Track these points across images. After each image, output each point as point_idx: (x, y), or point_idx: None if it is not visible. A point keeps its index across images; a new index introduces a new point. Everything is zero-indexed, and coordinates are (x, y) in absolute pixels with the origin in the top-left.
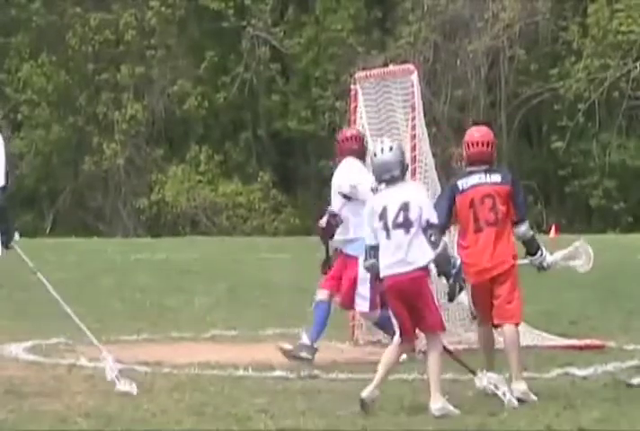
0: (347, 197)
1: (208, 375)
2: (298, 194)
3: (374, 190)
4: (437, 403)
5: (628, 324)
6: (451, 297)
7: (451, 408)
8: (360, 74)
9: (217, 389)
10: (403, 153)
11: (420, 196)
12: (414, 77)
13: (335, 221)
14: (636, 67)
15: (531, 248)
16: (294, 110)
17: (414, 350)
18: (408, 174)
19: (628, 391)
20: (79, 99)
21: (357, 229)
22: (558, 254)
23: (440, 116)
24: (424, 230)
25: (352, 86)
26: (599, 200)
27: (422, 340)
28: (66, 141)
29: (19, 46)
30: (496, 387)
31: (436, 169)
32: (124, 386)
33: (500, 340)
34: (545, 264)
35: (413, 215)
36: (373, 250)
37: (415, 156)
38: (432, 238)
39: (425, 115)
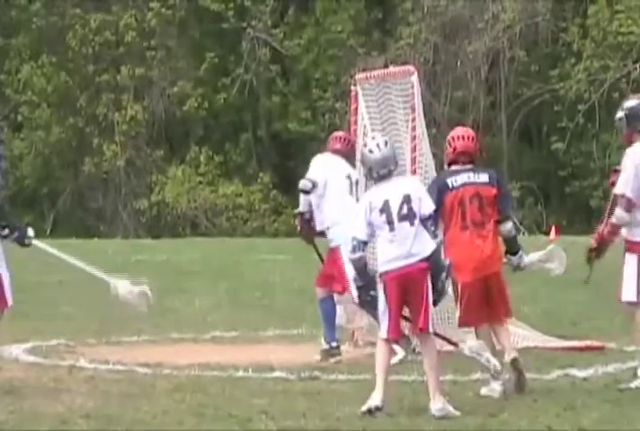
0: (304, 192)
1: (209, 376)
2: (299, 195)
3: (314, 185)
4: (437, 404)
5: (629, 325)
6: (441, 294)
7: (451, 408)
8: (360, 76)
9: (217, 390)
10: (394, 148)
11: (418, 188)
12: (414, 78)
13: (303, 220)
14: (636, 69)
15: (513, 247)
16: (294, 112)
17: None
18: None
19: (629, 392)
20: (79, 100)
21: (322, 222)
22: (534, 255)
23: (441, 117)
24: (423, 221)
25: (353, 87)
26: (599, 201)
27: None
28: (67, 142)
29: (19, 47)
30: (479, 354)
31: (436, 169)
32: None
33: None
34: (522, 264)
35: (415, 207)
36: (363, 245)
37: (415, 157)
38: (432, 229)
39: (425, 116)
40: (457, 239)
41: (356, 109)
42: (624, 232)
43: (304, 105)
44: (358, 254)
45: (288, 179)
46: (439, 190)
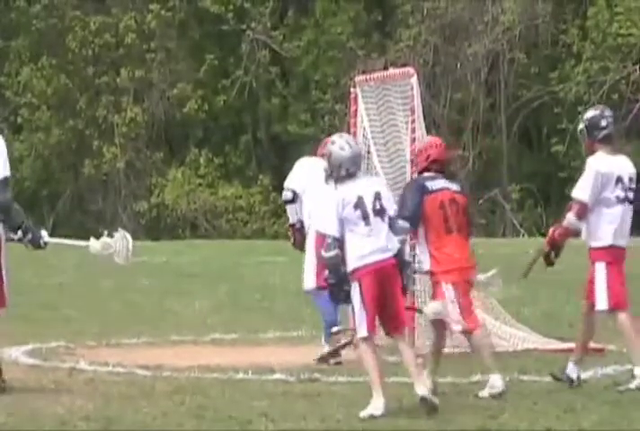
0: (287, 202)
1: (209, 378)
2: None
3: (294, 193)
4: (422, 388)
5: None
6: (405, 290)
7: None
8: (359, 78)
9: (217, 392)
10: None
11: (384, 187)
12: (414, 80)
13: (294, 231)
14: (636, 70)
15: None
16: (294, 114)
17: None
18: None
19: (629, 393)
20: (79, 102)
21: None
22: (481, 276)
23: (440, 119)
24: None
25: (352, 89)
26: None
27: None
28: (66, 144)
29: (19, 49)
30: (440, 313)
31: None
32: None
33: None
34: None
35: (385, 204)
36: (338, 242)
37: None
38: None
39: (425, 118)
40: (443, 242)
41: (356, 111)
42: (584, 236)
43: (303, 107)
44: (333, 252)
45: None
46: (419, 193)
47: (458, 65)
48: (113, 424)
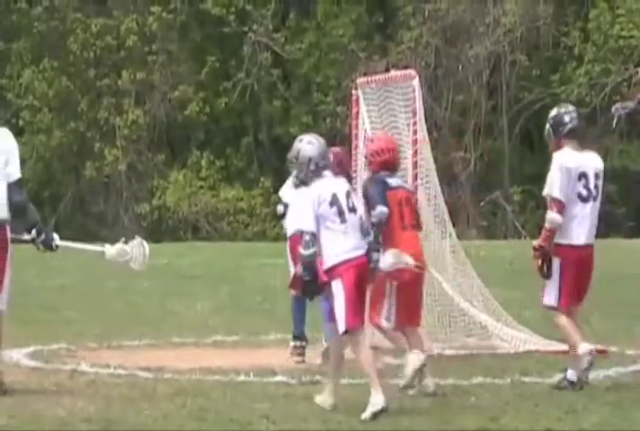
0: (282, 216)
1: (210, 381)
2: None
3: (286, 206)
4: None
5: (630, 329)
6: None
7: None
8: (361, 80)
9: (218, 394)
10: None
11: (350, 187)
12: (416, 82)
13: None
14: (638, 72)
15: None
16: (295, 116)
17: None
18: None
19: (630, 395)
20: (80, 104)
21: None
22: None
23: (442, 121)
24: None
25: (354, 92)
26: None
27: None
28: (68, 146)
29: (20, 51)
30: (397, 263)
31: (437, 174)
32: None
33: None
34: None
35: (356, 203)
36: (314, 237)
37: (417, 161)
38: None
39: (426, 120)
40: (398, 238)
41: (357, 113)
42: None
43: (305, 109)
44: (312, 249)
45: None
46: (381, 188)
47: (460, 68)
48: (114, 426)
